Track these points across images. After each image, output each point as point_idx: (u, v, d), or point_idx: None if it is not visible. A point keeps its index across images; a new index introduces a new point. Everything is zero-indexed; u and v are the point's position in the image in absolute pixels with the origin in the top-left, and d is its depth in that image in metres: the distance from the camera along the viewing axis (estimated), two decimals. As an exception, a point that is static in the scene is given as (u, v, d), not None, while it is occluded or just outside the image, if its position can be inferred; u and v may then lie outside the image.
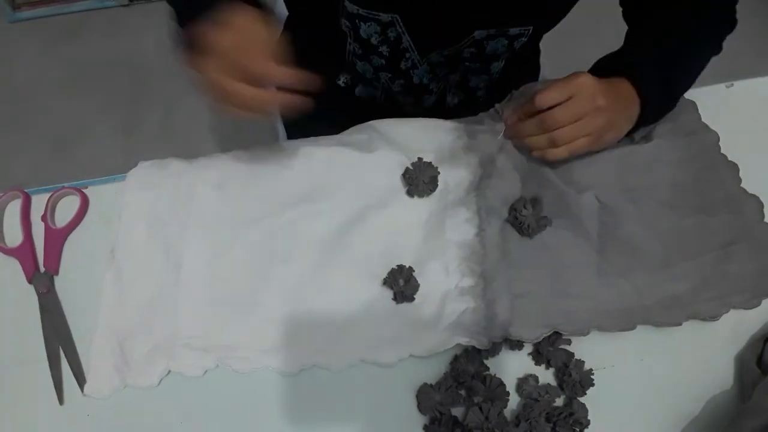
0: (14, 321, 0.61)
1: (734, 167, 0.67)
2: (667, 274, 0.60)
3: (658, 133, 0.68)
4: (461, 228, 0.63)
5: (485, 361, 0.57)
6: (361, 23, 0.68)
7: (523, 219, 0.61)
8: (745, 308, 0.59)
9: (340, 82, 0.81)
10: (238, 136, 1.70)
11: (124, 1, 1.93)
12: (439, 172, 0.64)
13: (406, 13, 0.66)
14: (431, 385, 0.56)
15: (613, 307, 0.59)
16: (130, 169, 0.67)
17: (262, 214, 0.63)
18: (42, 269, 0.63)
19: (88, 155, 1.69)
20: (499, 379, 0.56)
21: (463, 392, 0.56)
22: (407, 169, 0.65)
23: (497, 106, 0.67)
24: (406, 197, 0.65)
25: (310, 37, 0.74)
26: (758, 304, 0.59)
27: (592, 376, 0.56)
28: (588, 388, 0.56)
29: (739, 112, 0.72)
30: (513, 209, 0.62)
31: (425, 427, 0.55)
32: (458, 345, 0.58)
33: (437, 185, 0.64)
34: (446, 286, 0.60)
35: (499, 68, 0.78)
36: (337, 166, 0.66)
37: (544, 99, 0.59)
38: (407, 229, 0.63)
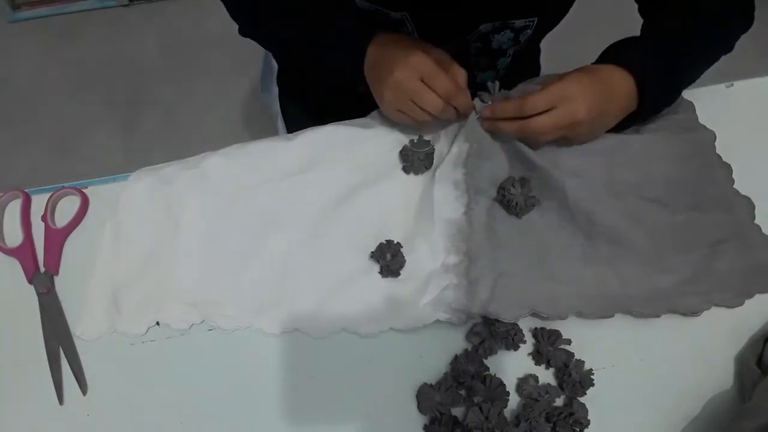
0: (14, 321, 0.61)
1: (728, 167, 0.67)
2: (654, 267, 0.61)
3: (651, 128, 0.68)
4: (450, 206, 0.63)
5: (485, 361, 0.57)
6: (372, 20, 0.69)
7: (512, 197, 0.62)
8: (728, 306, 0.60)
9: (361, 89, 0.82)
10: (239, 136, 1.70)
11: (124, 1, 1.93)
12: (434, 149, 0.66)
13: (415, 9, 0.67)
14: (431, 385, 0.56)
15: (595, 294, 0.59)
16: (130, 169, 0.68)
17: (261, 180, 0.66)
18: (42, 269, 0.63)
19: (88, 155, 1.69)
20: (499, 379, 0.56)
21: (463, 392, 0.56)
22: (404, 146, 0.67)
23: (489, 84, 0.66)
24: (402, 174, 0.67)
25: None
26: (741, 303, 0.60)
27: (592, 376, 0.56)
28: (588, 388, 0.56)
29: (739, 112, 0.72)
30: (501, 188, 0.63)
31: (425, 427, 0.55)
32: (458, 345, 0.58)
33: (433, 163, 0.66)
34: (432, 263, 0.61)
35: (506, 64, 0.78)
36: (337, 141, 0.68)
37: (529, 106, 0.59)
38: (400, 205, 0.65)
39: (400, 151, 0.67)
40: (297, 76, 0.94)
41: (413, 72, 0.59)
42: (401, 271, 0.61)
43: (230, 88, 1.78)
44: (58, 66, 1.86)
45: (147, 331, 0.60)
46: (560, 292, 0.59)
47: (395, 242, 0.61)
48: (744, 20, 0.66)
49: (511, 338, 0.57)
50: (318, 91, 0.90)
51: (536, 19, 0.69)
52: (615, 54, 0.63)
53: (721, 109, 0.72)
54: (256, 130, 1.71)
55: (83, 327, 0.60)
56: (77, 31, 1.91)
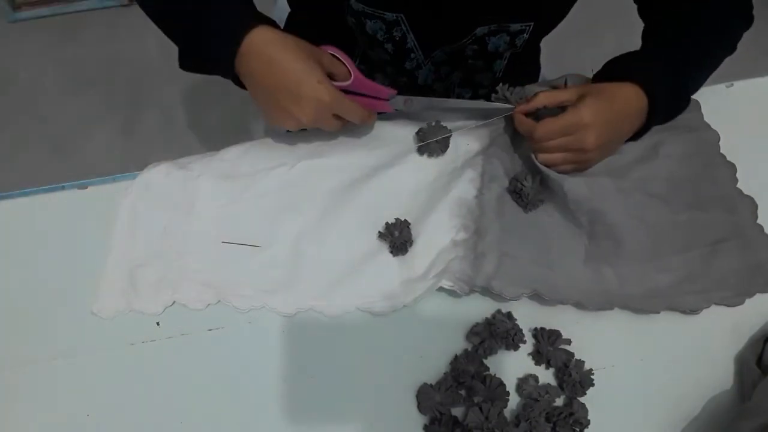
0: (15, 321, 0.61)
1: (732, 167, 0.67)
2: (653, 266, 0.61)
3: (657, 127, 0.68)
4: (463, 186, 0.64)
5: (485, 361, 0.57)
6: (367, 20, 0.69)
7: (523, 188, 0.63)
8: (727, 305, 0.60)
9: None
10: (239, 136, 1.70)
11: (124, 1, 1.93)
12: (451, 134, 0.67)
13: (411, 11, 0.67)
14: (431, 385, 0.56)
15: (594, 290, 0.60)
16: (130, 169, 0.68)
17: (276, 164, 0.67)
18: None
19: (88, 155, 1.69)
20: (499, 379, 0.56)
21: (463, 392, 0.56)
22: (421, 128, 0.67)
23: (499, 87, 0.67)
24: (416, 155, 0.67)
25: (317, 32, 0.74)
26: (741, 302, 0.60)
27: (592, 376, 0.56)
28: (588, 388, 0.56)
29: (739, 112, 0.72)
30: (515, 179, 0.64)
31: (425, 427, 0.55)
32: (458, 345, 0.58)
33: (448, 146, 0.67)
34: (442, 240, 0.62)
35: (502, 66, 0.78)
36: (354, 126, 0.68)
37: (544, 134, 0.61)
38: (414, 187, 0.66)
39: (417, 132, 0.68)
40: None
41: (327, 110, 0.59)
42: (411, 249, 0.62)
43: (230, 88, 1.78)
44: (58, 66, 1.86)
45: (164, 311, 0.61)
46: (560, 283, 0.60)
47: (403, 220, 0.62)
48: (744, 20, 0.67)
49: (511, 338, 0.57)
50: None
51: (532, 23, 0.69)
52: (626, 70, 0.63)
53: (721, 109, 0.72)
54: (256, 130, 1.71)
55: (100, 304, 0.61)
56: (77, 31, 1.91)
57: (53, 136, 1.73)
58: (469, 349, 0.58)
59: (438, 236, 0.62)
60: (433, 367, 0.58)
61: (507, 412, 0.55)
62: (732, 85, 0.75)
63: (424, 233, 0.62)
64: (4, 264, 0.64)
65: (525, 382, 0.56)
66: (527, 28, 0.69)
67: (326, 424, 0.56)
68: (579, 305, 0.59)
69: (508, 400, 0.55)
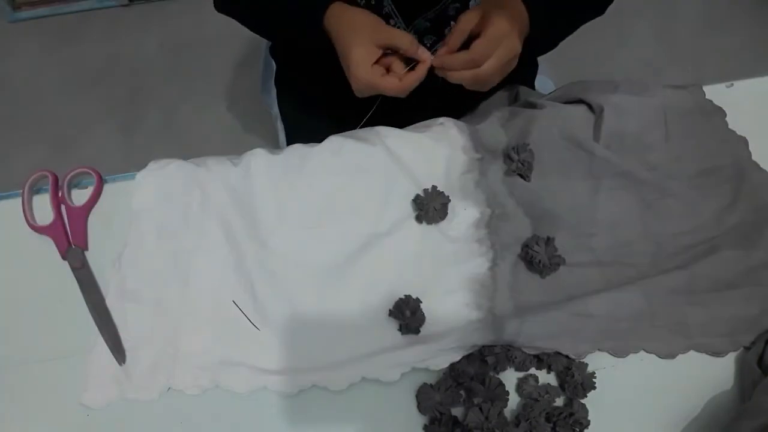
0: (15, 321, 0.61)
1: None
2: (686, 299, 0.59)
3: (689, 173, 0.67)
4: (473, 262, 0.62)
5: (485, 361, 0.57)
6: None
7: (535, 254, 0.60)
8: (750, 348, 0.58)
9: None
10: (239, 136, 1.70)
11: (124, 1, 1.93)
12: (449, 200, 0.64)
13: None
14: (431, 385, 0.56)
15: (620, 327, 0.58)
16: (130, 169, 0.68)
17: (270, 236, 0.63)
18: (72, 245, 0.64)
19: (88, 155, 1.69)
20: (499, 379, 0.56)
21: (462, 392, 0.56)
22: (417, 195, 0.65)
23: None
24: (415, 223, 0.65)
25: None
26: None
27: (594, 379, 0.56)
28: (589, 391, 0.55)
29: (739, 112, 0.72)
30: (526, 245, 0.61)
31: (425, 427, 0.55)
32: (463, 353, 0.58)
33: (447, 213, 0.64)
34: (454, 318, 0.59)
35: None
36: (349, 191, 0.66)
37: (481, 52, 0.62)
38: (416, 256, 0.63)
39: (414, 200, 0.65)
40: (295, 77, 0.94)
41: (361, 88, 0.65)
42: (421, 329, 0.59)
43: (230, 88, 1.78)
44: (58, 66, 1.86)
45: (160, 398, 0.57)
46: (584, 328, 0.58)
47: (414, 298, 0.59)
48: None
49: (525, 366, 0.57)
50: (316, 93, 0.90)
51: None
52: None
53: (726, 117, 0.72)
54: (256, 130, 1.71)
55: (90, 394, 0.57)
56: (77, 31, 1.91)
57: (53, 136, 1.72)
58: (475, 353, 0.57)
59: (448, 315, 0.59)
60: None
61: (507, 412, 0.55)
62: (732, 85, 0.75)
63: (435, 311, 0.59)
64: (4, 263, 0.64)
65: (525, 382, 0.56)
66: None
67: (326, 424, 0.56)
68: (602, 349, 0.58)
69: (507, 400, 0.55)
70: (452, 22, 0.74)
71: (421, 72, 0.64)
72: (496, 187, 0.66)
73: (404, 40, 0.63)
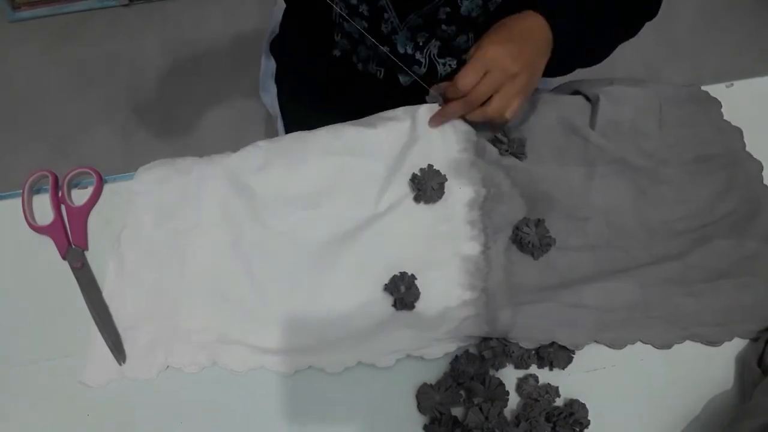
0: (15, 321, 0.61)
1: None
2: (681, 289, 0.60)
3: (686, 158, 0.67)
4: (467, 244, 0.62)
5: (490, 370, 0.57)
6: None
7: (525, 236, 0.61)
8: (749, 339, 0.59)
9: (336, 53, 0.81)
10: (238, 135, 1.70)
11: (124, 1, 1.93)
12: (446, 179, 0.64)
13: None
14: (431, 385, 0.56)
15: (616, 318, 0.58)
16: (130, 169, 0.68)
17: (268, 216, 0.64)
18: (72, 245, 0.64)
19: (88, 155, 1.69)
20: (499, 379, 0.56)
21: (462, 392, 0.56)
22: (414, 175, 0.65)
23: (430, 95, 0.68)
24: (413, 203, 0.65)
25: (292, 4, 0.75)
26: (765, 336, 0.58)
27: (572, 355, 0.57)
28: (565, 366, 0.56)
29: (739, 112, 0.72)
30: (516, 228, 0.62)
31: (425, 427, 0.55)
32: (458, 345, 0.58)
33: (444, 192, 0.64)
34: (448, 297, 0.60)
35: (478, 34, 0.78)
36: (347, 171, 0.66)
37: (464, 83, 0.61)
38: (412, 235, 0.63)
39: (411, 179, 0.65)
40: (295, 75, 0.94)
41: None
42: (416, 304, 0.59)
43: (230, 87, 1.78)
44: (58, 66, 1.85)
45: (157, 376, 0.57)
46: (580, 319, 0.58)
47: (409, 274, 0.60)
48: (648, 12, 0.72)
49: (524, 361, 0.57)
50: (316, 92, 0.90)
51: None
52: (531, 5, 0.64)
53: (722, 108, 0.72)
54: (256, 130, 1.71)
55: (88, 372, 0.57)
56: (77, 31, 1.91)
57: (53, 136, 1.72)
58: (470, 350, 0.58)
59: (443, 292, 0.60)
60: (433, 367, 0.58)
61: (507, 412, 0.55)
62: (732, 85, 0.75)
63: (427, 287, 0.60)
64: (4, 263, 0.64)
65: (525, 382, 0.56)
66: None
67: (326, 424, 0.56)
68: (599, 341, 0.58)
69: (507, 399, 0.55)
70: (443, 26, 0.74)
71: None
72: (492, 167, 0.66)
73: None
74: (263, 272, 0.61)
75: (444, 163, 0.66)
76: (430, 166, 0.65)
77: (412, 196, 0.65)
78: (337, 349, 0.58)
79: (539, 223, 0.62)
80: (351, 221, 0.64)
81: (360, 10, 0.73)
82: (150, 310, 0.60)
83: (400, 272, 0.60)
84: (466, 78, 0.61)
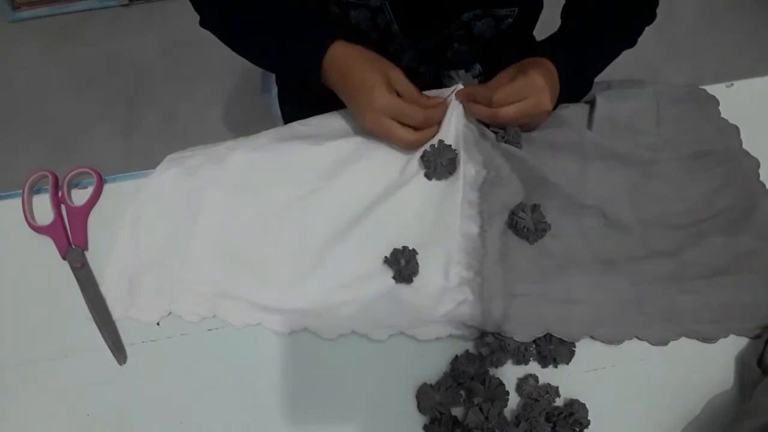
0: (15, 321, 0.61)
1: None
2: (677, 287, 0.60)
3: (684, 153, 0.68)
4: (468, 222, 0.63)
5: (490, 370, 0.57)
6: (351, 9, 0.69)
7: (520, 221, 0.61)
8: (746, 336, 0.59)
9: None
10: (239, 136, 1.70)
11: (124, 1, 1.93)
12: (457, 154, 0.65)
13: None
14: (431, 385, 0.56)
15: (611, 313, 0.59)
16: (130, 169, 0.68)
17: (285, 181, 0.66)
18: (72, 245, 0.64)
19: (88, 155, 1.69)
20: (499, 379, 0.56)
21: (462, 392, 0.56)
22: (425, 151, 0.65)
23: (455, 73, 0.70)
24: (424, 179, 0.66)
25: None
26: (762, 334, 0.58)
27: (573, 349, 0.57)
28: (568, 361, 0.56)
29: (739, 112, 0.72)
30: (512, 213, 0.63)
31: (425, 427, 0.55)
32: (458, 345, 0.58)
33: (455, 168, 0.65)
34: (447, 274, 0.60)
35: (487, 50, 0.78)
36: (362, 145, 0.68)
37: (500, 99, 0.62)
38: (420, 211, 0.64)
39: (421, 156, 0.65)
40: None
41: (380, 115, 0.62)
42: (415, 278, 0.60)
43: (230, 88, 1.78)
44: (58, 66, 1.86)
45: (159, 321, 0.60)
46: (574, 312, 0.58)
47: (410, 248, 0.61)
48: (646, 17, 0.74)
49: (521, 354, 0.57)
50: (317, 93, 0.90)
51: (517, 8, 0.71)
52: (541, 48, 0.68)
53: (721, 109, 0.72)
54: (256, 130, 1.71)
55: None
56: (77, 31, 1.91)
57: (53, 136, 1.73)
58: (471, 350, 0.58)
59: (442, 269, 0.60)
60: (433, 367, 0.58)
61: (507, 412, 0.55)
62: (732, 85, 0.75)
63: (428, 262, 0.60)
64: (4, 263, 0.64)
65: (525, 382, 0.56)
66: (512, 13, 0.71)
67: (326, 423, 0.56)
68: (592, 337, 0.58)
69: (507, 399, 0.55)
70: (455, 45, 0.75)
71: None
72: (494, 151, 0.66)
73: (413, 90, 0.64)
74: (273, 234, 0.63)
75: (455, 138, 0.67)
76: (441, 141, 0.65)
77: (422, 173, 0.66)
78: (334, 316, 0.59)
79: (535, 208, 0.62)
80: (366, 194, 0.65)
81: (370, 36, 0.73)
82: (160, 259, 0.63)
83: (402, 246, 0.61)
84: (506, 97, 0.62)
